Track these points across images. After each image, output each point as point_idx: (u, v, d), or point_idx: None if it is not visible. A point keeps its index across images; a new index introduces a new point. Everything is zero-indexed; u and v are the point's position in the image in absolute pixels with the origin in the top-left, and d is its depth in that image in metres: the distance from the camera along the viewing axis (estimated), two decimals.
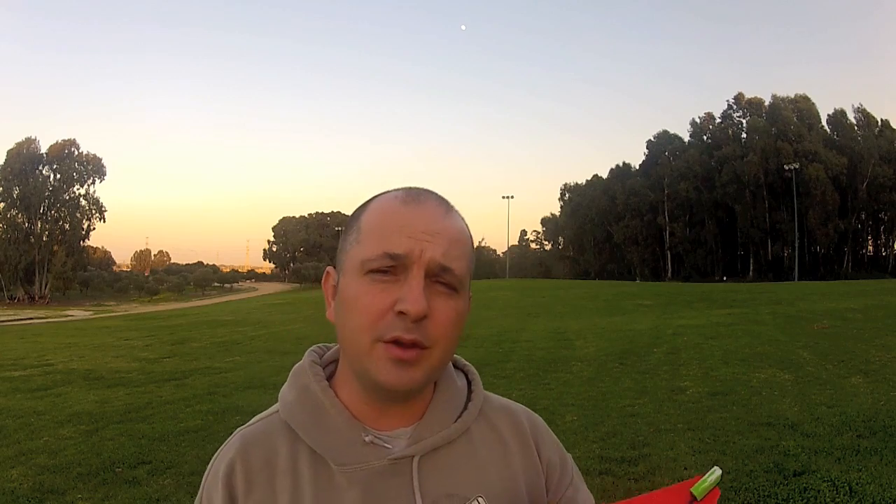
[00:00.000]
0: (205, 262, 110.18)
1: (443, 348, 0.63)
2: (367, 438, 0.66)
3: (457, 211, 0.69)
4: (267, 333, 16.50)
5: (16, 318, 32.61)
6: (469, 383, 0.76)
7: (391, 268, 0.62)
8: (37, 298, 54.16)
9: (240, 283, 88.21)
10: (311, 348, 0.76)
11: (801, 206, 50.95)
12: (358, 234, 0.65)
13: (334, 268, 0.70)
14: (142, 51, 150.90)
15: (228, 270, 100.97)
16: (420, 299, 0.60)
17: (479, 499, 0.67)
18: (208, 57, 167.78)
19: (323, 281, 0.71)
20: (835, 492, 3.51)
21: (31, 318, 32.05)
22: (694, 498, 0.62)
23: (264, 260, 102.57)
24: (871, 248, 60.04)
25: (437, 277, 0.62)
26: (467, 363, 0.78)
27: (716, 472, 0.64)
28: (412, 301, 0.60)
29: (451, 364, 0.75)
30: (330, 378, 0.71)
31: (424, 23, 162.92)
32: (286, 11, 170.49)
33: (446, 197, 0.70)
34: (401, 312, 0.60)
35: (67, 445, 5.24)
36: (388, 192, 0.69)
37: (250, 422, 0.72)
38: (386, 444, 0.66)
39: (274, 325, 19.32)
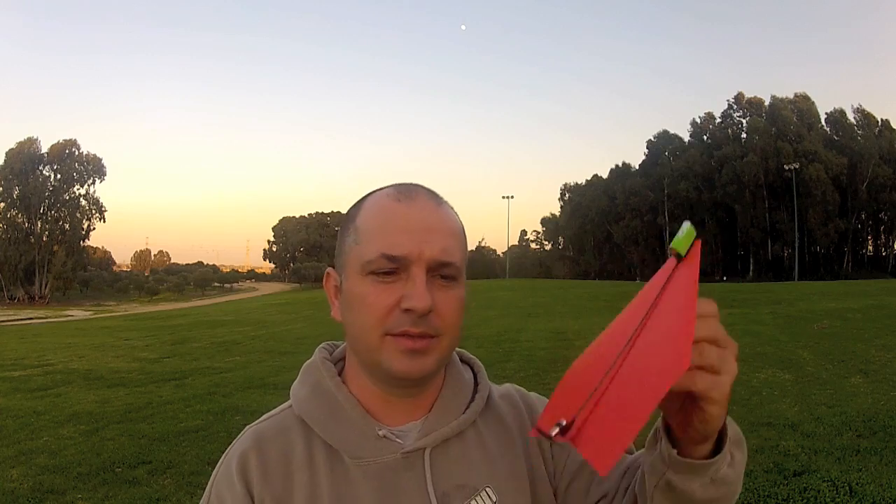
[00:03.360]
0: (205, 262, 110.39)
1: (450, 335, 0.67)
2: (380, 433, 0.68)
3: (447, 202, 0.71)
4: (267, 333, 16.48)
5: (16, 318, 32.57)
6: (475, 375, 0.78)
7: (393, 268, 0.64)
8: (37, 298, 54.13)
9: (240, 283, 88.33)
10: (321, 345, 0.78)
11: (801, 206, 50.95)
12: (356, 236, 0.67)
13: (334, 268, 0.72)
14: (142, 51, 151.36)
15: (228, 270, 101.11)
16: (424, 296, 0.62)
17: (488, 489, 0.69)
18: (208, 57, 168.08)
19: (324, 281, 0.73)
20: (835, 492, 3.51)
21: (31, 318, 32.01)
22: (679, 255, 0.53)
23: (264, 260, 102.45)
24: (871, 248, 60.04)
25: (438, 272, 0.65)
26: (473, 356, 0.80)
27: (685, 224, 0.56)
28: (417, 298, 0.62)
29: (458, 358, 0.78)
30: (339, 374, 0.74)
31: (424, 23, 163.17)
32: (286, 11, 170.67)
33: (447, 196, 0.71)
34: (407, 310, 0.62)
35: (67, 445, 5.23)
36: (381, 189, 0.71)
37: (261, 418, 0.73)
38: (398, 439, 0.68)
39: (274, 325, 19.29)
